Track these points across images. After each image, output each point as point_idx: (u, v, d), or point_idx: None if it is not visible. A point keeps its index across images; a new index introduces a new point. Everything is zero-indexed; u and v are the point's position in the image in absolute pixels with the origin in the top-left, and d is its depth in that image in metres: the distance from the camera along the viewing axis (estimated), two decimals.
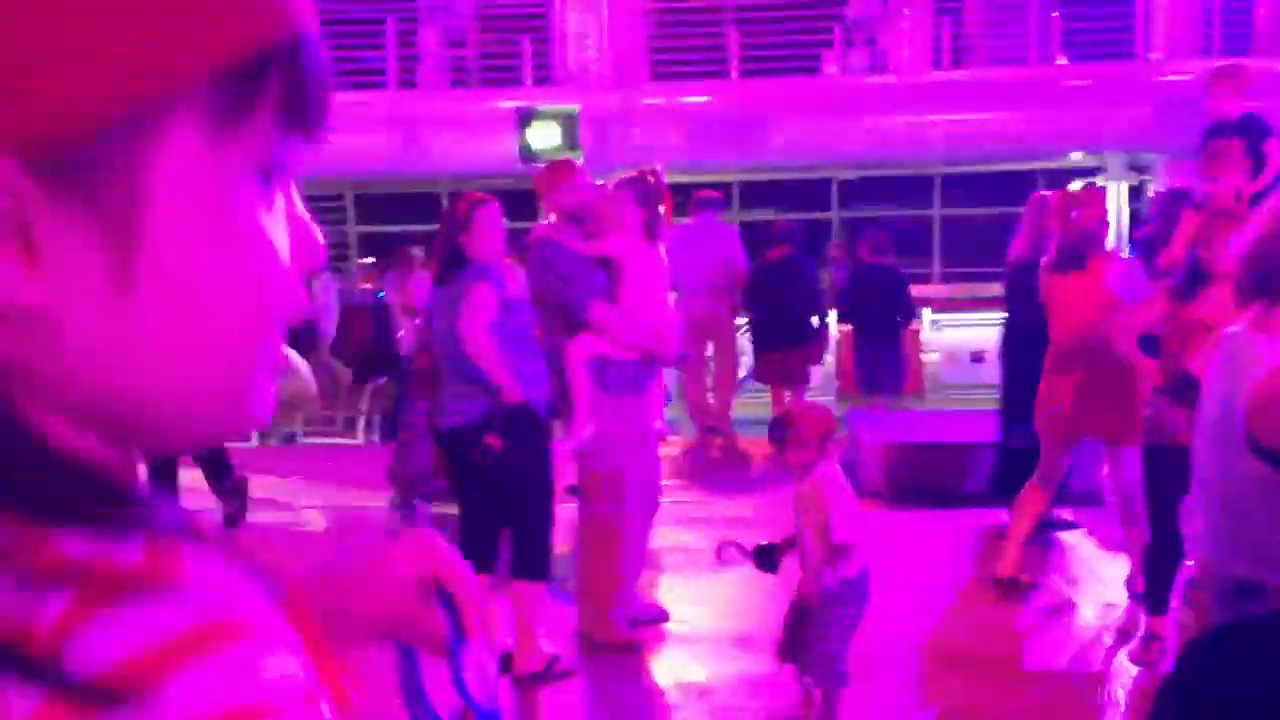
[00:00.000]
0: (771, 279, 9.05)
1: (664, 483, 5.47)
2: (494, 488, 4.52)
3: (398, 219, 16.63)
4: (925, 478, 7.29)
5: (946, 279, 14.99)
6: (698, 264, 8.55)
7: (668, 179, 5.37)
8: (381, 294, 14.08)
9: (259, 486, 7.02)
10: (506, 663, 4.49)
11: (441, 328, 4.55)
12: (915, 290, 14.00)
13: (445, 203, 15.93)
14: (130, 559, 0.47)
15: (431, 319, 4.71)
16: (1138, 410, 4.98)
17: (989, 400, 7.15)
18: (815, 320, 9.23)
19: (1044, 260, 5.58)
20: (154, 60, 0.47)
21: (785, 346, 9.08)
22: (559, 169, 5.36)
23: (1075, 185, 5.99)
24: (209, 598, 0.47)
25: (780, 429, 4.11)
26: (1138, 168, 14.57)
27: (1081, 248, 5.38)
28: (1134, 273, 5.40)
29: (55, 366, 0.49)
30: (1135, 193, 14.86)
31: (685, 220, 8.91)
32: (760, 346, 9.30)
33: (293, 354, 10.07)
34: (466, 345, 4.38)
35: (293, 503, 7.39)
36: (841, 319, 10.09)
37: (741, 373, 9.67)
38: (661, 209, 5.25)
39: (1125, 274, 5.34)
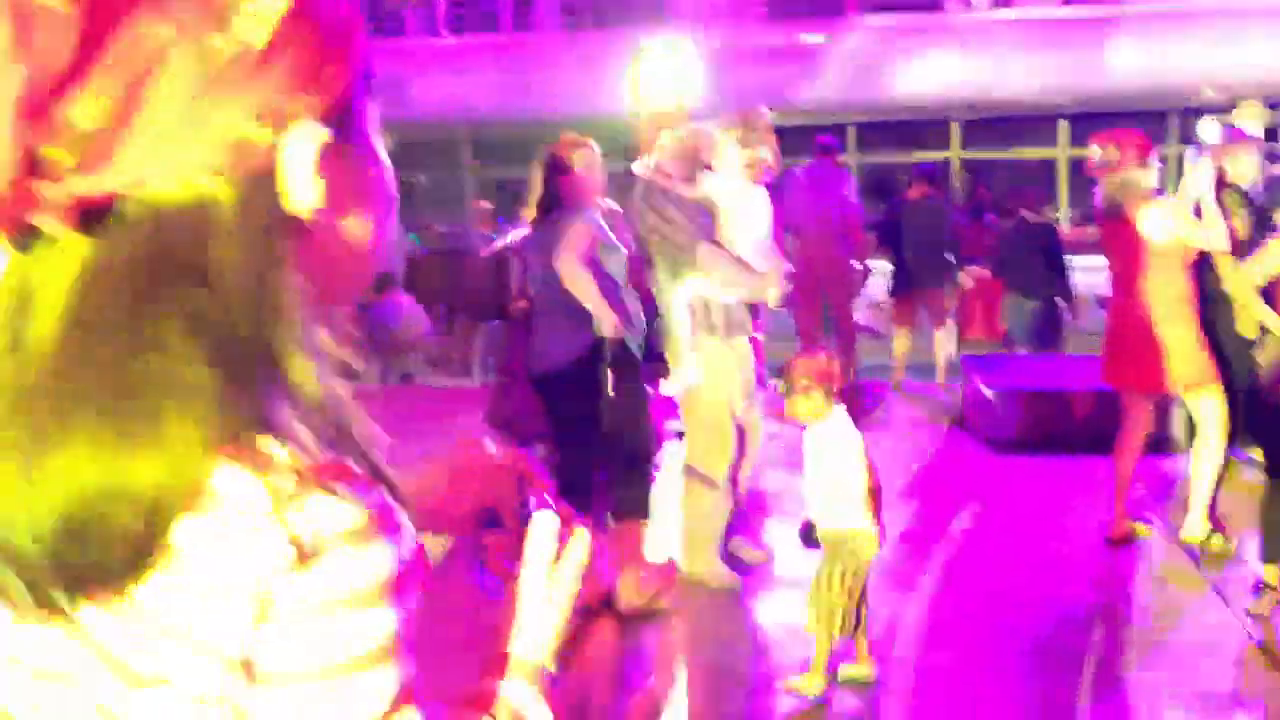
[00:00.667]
0: (912, 219, 8.97)
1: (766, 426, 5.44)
2: (591, 428, 4.54)
3: (515, 161, 16.74)
4: (1046, 425, 7.14)
5: (1074, 221, 14.55)
6: (814, 208, 8.45)
7: (785, 120, 5.30)
8: (495, 236, 14.24)
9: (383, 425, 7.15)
10: (610, 600, 4.53)
11: (536, 269, 4.58)
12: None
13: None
14: (326, 470, 0.73)
15: (528, 262, 4.73)
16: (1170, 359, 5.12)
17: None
18: (952, 259, 9.16)
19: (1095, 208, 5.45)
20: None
21: (928, 286, 9.02)
22: (663, 113, 5.34)
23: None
24: (363, 499, 0.73)
25: (784, 379, 4.08)
26: (1274, 105, 13.96)
27: (1119, 196, 5.21)
28: (1179, 218, 5.16)
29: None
30: (1271, 134, 14.25)
31: (802, 163, 8.79)
32: (900, 287, 9.22)
33: (407, 298, 10.26)
34: (564, 279, 4.40)
35: (402, 441, 7.54)
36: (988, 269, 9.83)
37: (859, 318, 9.56)
38: (766, 151, 5.18)
39: (1166, 222, 5.13)
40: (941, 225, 9.10)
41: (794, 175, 8.41)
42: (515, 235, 7.73)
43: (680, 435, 5.18)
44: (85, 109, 0.70)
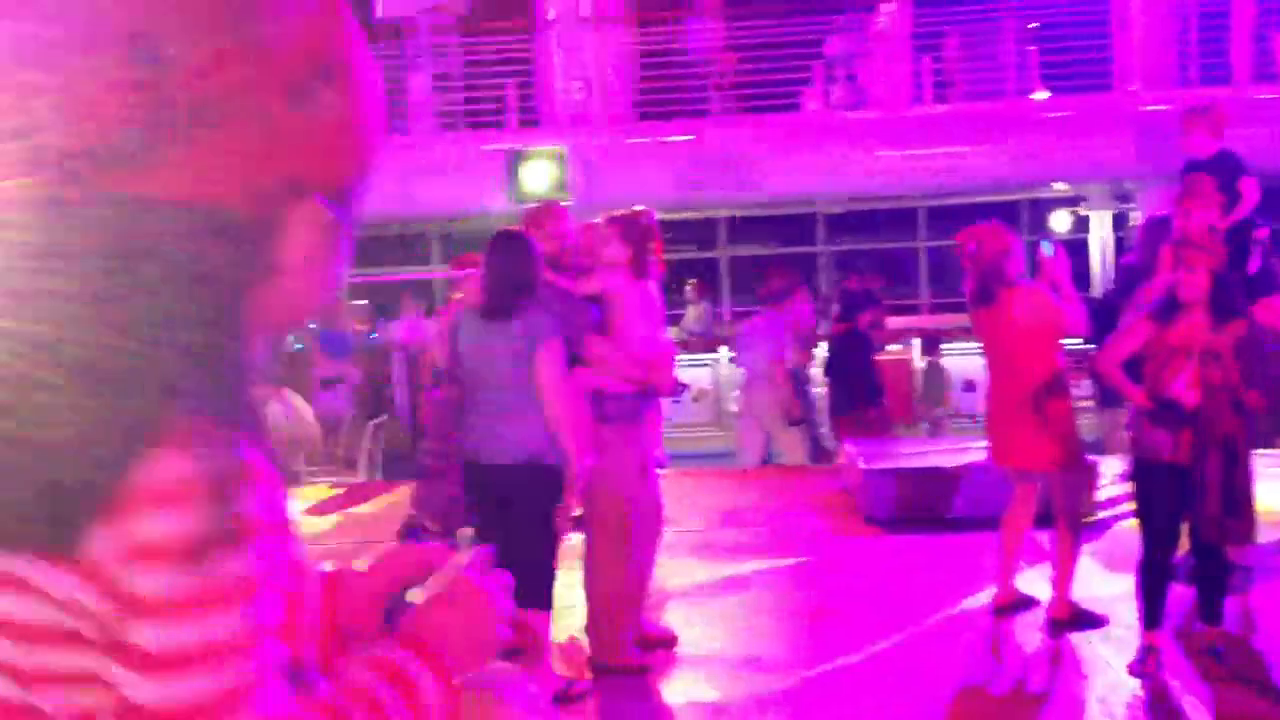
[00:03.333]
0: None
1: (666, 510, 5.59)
2: (509, 521, 4.61)
3: (387, 262, 16.78)
4: (923, 503, 7.44)
5: (934, 309, 15.18)
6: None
7: (657, 216, 5.50)
8: (374, 334, 14.24)
9: None
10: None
11: (490, 362, 4.63)
12: (902, 321, 14.23)
13: (434, 246, 16.22)
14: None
15: (469, 350, 4.75)
16: (1050, 437, 5.39)
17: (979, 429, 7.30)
18: None
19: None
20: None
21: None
22: (539, 213, 5.50)
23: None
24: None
25: None
26: (1120, 196, 14.82)
27: (987, 282, 5.56)
28: (1043, 301, 5.47)
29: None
30: (1119, 220, 15.11)
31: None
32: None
33: (296, 398, 10.21)
34: (548, 393, 4.51)
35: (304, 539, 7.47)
36: None
37: None
38: (651, 246, 5.35)
39: (1033, 305, 5.46)
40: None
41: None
42: (431, 324, 7.81)
43: (579, 522, 5.27)
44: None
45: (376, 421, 10.62)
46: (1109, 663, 5.03)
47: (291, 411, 9.85)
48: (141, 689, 0.84)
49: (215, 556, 0.84)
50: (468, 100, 14.48)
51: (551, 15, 14.53)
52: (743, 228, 16.50)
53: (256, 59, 0.88)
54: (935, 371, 12.26)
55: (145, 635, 0.83)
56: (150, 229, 0.86)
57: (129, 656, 0.84)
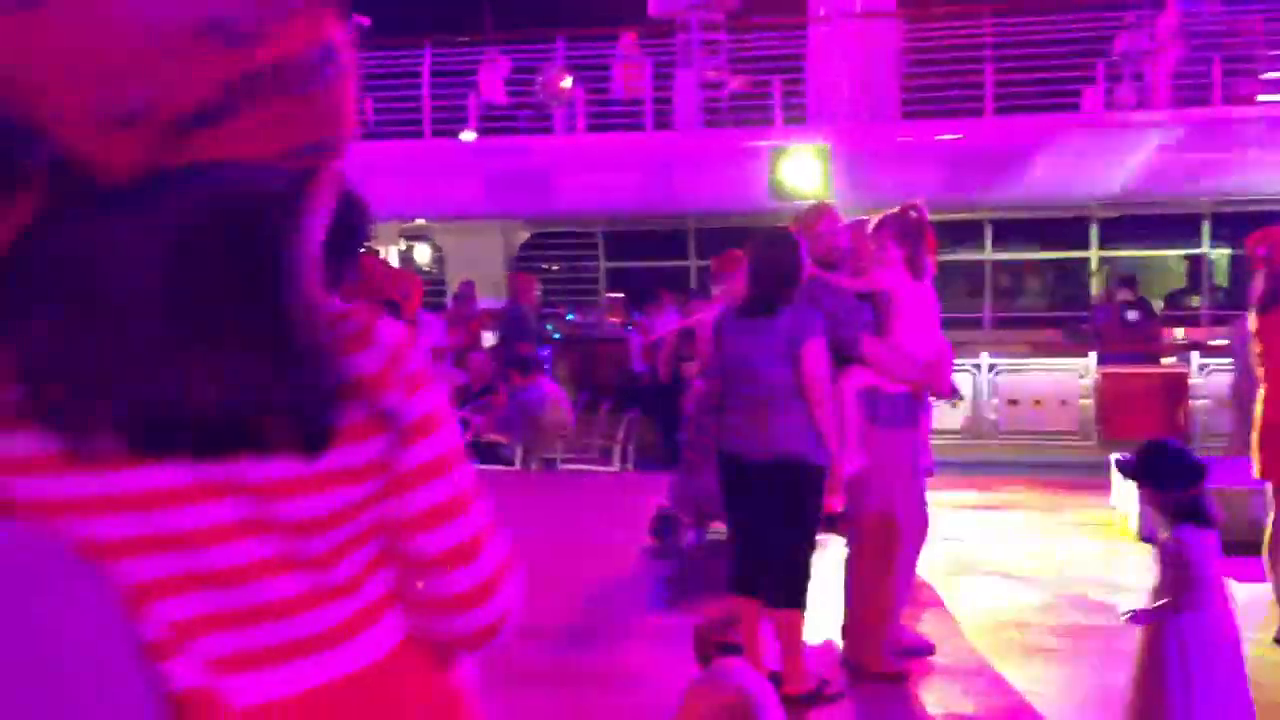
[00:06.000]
0: None
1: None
2: (766, 519, 4.60)
3: (643, 255, 17.01)
4: None
5: (1218, 321, 14.31)
6: None
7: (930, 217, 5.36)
8: (629, 327, 14.49)
9: (522, 510, 7.33)
10: (775, 681, 4.57)
11: (752, 358, 4.64)
12: (1184, 333, 13.47)
13: (692, 240, 16.38)
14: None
15: (731, 346, 4.77)
16: None
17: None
18: None
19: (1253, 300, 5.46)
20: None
21: None
22: (810, 213, 5.44)
23: None
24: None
25: None
26: None
27: (1278, 286, 5.25)
28: None
29: None
30: None
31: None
32: None
33: (553, 385, 10.50)
34: (812, 391, 4.50)
35: (554, 528, 7.67)
36: None
37: None
38: (924, 244, 5.23)
39: None
40: None
41: None
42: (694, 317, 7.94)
43: (837, 523, 5.20)
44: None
45: (631, 415, 10.79)
46: None
47: (546, 397, 10.13)
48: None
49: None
50: (733, 96, 14.52)
51: (822, 12, 14.44)
52: (1009, 230, 15.96)
53: (302, 36, 1.04)
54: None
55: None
56: (225, 186, 1.01)
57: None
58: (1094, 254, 15.77)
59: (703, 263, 13.97)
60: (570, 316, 16.48)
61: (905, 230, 5.14)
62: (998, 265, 16.07)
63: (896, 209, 5.26)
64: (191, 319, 0.98)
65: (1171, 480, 3.52)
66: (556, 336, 14.56)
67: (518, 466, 9.99)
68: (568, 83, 14.55)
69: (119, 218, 0.98)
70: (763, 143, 13.57)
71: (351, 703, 1.12)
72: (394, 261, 16.27)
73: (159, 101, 0.98)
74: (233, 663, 1.07)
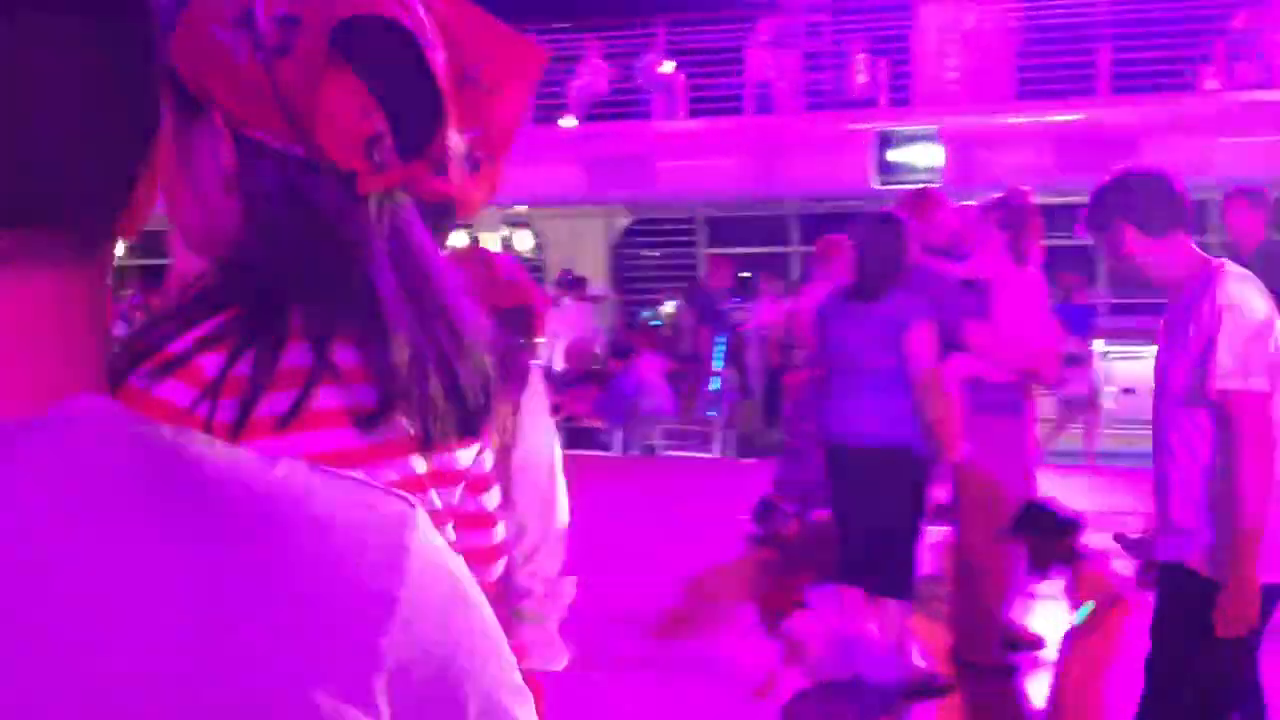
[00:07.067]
0: None
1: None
2: (871, 507, 4.52)
3: (744, 241, 16.86)
4: None
5: None
6: None
7: (1041, 200, 5.21)
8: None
9: (621, 495, 7.29)
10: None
11: (856, 344, 4.56)
12: None
13: (793, 226, 16.20)
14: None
15: (834, 332, 4.70)
16: None
17: None
18: None
19: None
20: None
21: None
22: (918, 198, 5.32)
23: None
24: None
25: None
26: None
27: None
28: None
29: None
30: None
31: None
32: None
33: (652, 371, 10.46)
34: (918, 377, 4.41)
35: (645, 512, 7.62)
36: None
37: None
38: (1030, 230, 5.08)
39: None
40: None
41: None
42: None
43: (944, 514, 5.09)
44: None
45: (733, 401, 10.72)
46: None
47: (644, 384, 10.09)
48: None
49: None
50: (838, 78, 14.32)
51: None
52: None
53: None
54: None
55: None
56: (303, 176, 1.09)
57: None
58: (1215, 239, 15.27)
59: (804, 248, 13.81)
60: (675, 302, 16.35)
61: (1009, 216, 5.03)
62: None
63: (1000, 194, 5.16)
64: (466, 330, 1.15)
65: None
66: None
67: (618, 452, 9.97)
68: (668, 67, 14.48)
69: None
70: (866, 125, 13.36)
71: None
72: (495, 248, 16.37)
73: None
74: None
